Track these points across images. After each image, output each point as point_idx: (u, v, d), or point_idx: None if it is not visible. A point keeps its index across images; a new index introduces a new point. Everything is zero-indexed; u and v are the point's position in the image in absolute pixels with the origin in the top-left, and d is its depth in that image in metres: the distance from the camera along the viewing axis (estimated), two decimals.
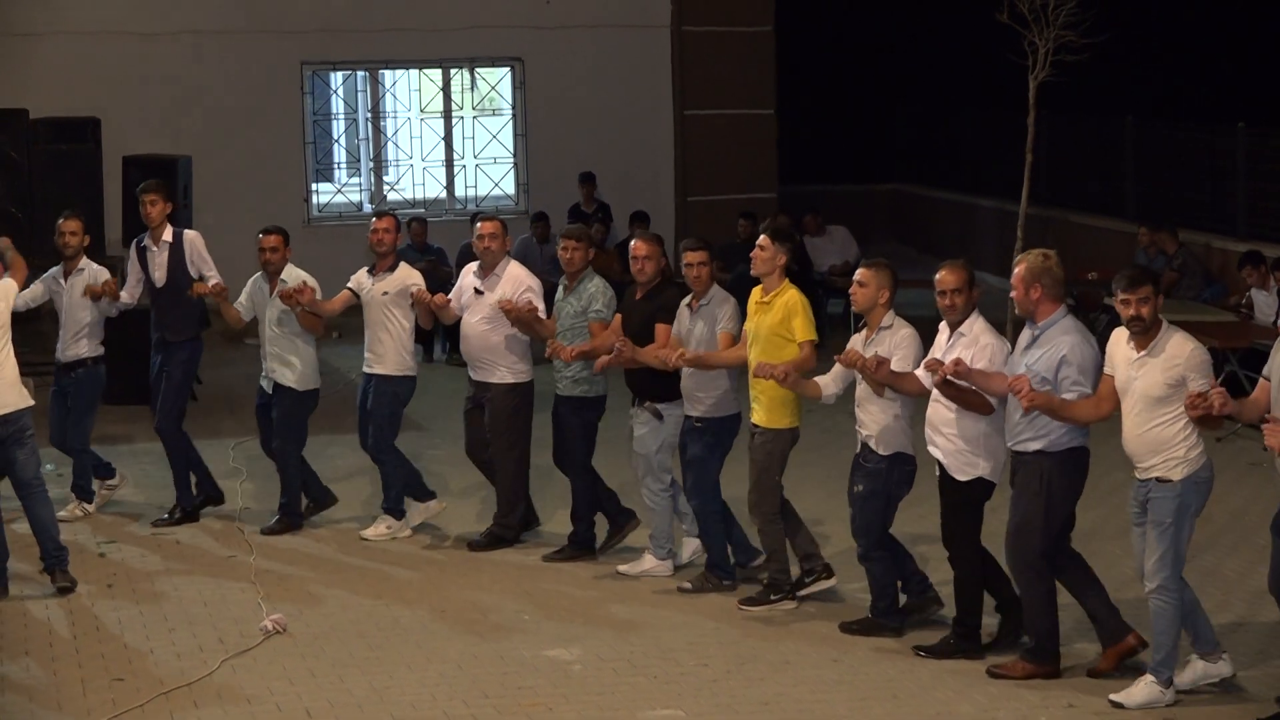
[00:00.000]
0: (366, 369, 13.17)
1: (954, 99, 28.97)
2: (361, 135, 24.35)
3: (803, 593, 11.43)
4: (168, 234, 13.51)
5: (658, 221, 22.51)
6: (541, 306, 12.55)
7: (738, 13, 24.75)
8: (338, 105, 24.28)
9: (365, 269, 13.22)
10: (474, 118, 24.45)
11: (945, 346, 10.26)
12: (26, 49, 22.08)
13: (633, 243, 12.23)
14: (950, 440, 10.26)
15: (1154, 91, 28.74)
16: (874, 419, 10.65)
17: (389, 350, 13.03)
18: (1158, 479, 9.47)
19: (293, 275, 13.10)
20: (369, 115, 24.20)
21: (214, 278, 13.36)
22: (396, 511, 13.20)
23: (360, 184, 24.42)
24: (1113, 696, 9.64)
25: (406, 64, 24.07)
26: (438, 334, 19.82)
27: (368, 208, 23.82)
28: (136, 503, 14.00)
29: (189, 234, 13.65)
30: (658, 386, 11.83)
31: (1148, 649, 9.83)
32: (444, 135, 24.26)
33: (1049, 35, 17.76)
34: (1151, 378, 9.41)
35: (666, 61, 24.49)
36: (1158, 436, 9.44)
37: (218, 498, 13.77)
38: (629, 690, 9.93)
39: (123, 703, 9.72)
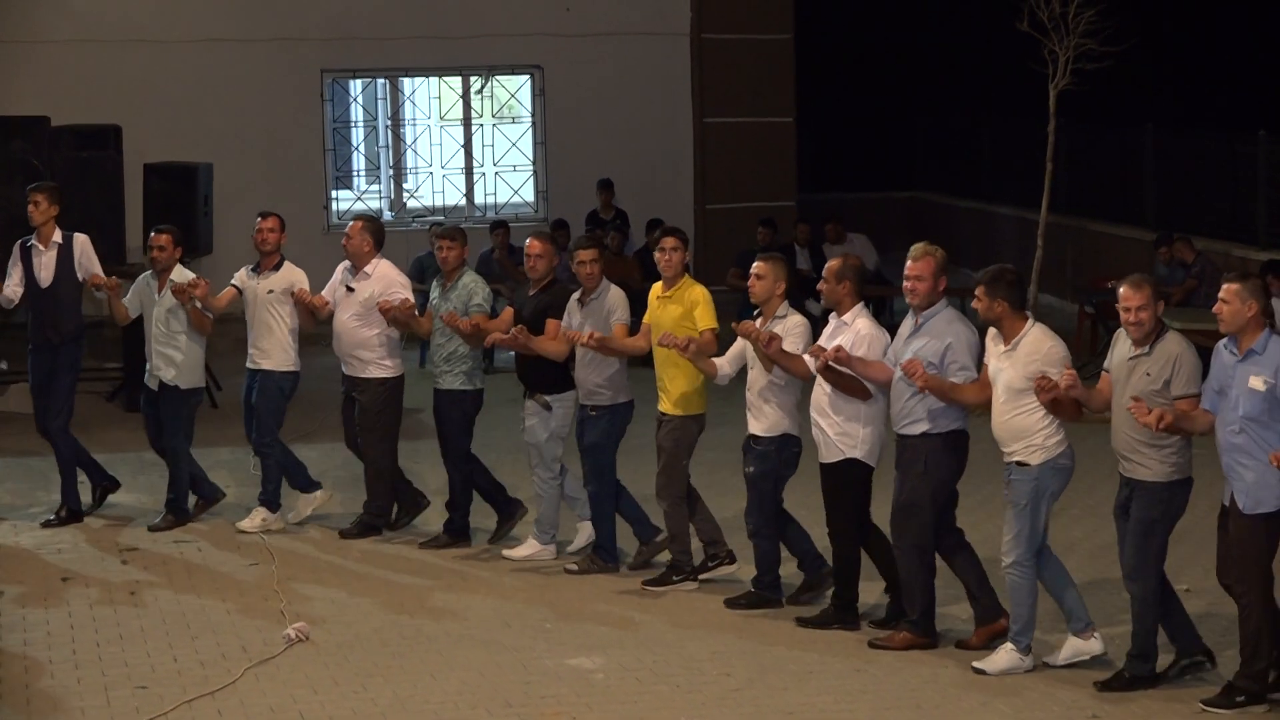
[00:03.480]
0: (251, 364, 13.52)
1: (974, 107, 28.97)
2: (381, 143, 24.38)
3: (704, 575, 12.02)
4: (57, 235, 13.69)
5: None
6: (413, 300, 13.10)
7: (757, 20, 24.72)
8: (357, 113, 24.31)
9: (248, 267, 13.59)
10: (493, 125, 24.48)
11: (829, 334, 10.93)
12: (48, 56, 22.15)
13: (527, 241, 12.69)
14: (831, 422, 10.91)
15: (1174, 100, 28.73)
16: (764, 404, 11.27)
17: (273, 346, 13.41)
18: (1017, 463, 10.18)
19: (182, 275, 13.36)
20: (389, 123, 24.23)
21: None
22: (273, 504, 13.57)
23: (380, 191, 24.44)
24: (975, 664, 10.31)
25: (426, 71, 24.09)
26: None
27: (388, 215, 23.85)
28: (155, 509, 13.98)
29: (79, 237, 13.84)
30: (547, 379, 12.43)
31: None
32: (463, 143, 24.28)
33: (1069, 43, 17.78)
34: (1013, 370, 10.11)
35: (686, 69, 24.48)
36: (1020, 424, 10.12)
37: (113, 485, 14.05)
38: (652, 699, 9.93)
39: (146, 710, 9.72)
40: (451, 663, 10.52)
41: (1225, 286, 9.58)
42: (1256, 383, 9.39)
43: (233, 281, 13.61)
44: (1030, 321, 10.21)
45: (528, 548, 12.73)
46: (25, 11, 22.24)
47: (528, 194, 24.44)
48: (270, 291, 13.33)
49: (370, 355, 13.14)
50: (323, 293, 13.34)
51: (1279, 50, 30.04)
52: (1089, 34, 17.74)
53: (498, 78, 24.34)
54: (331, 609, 11.58)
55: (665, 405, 11.87)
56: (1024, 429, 10.11)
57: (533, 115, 24.34)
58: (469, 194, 24.31)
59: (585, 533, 12.77)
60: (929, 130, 30.52)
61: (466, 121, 24.29)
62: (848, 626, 11.07)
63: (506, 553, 12.74)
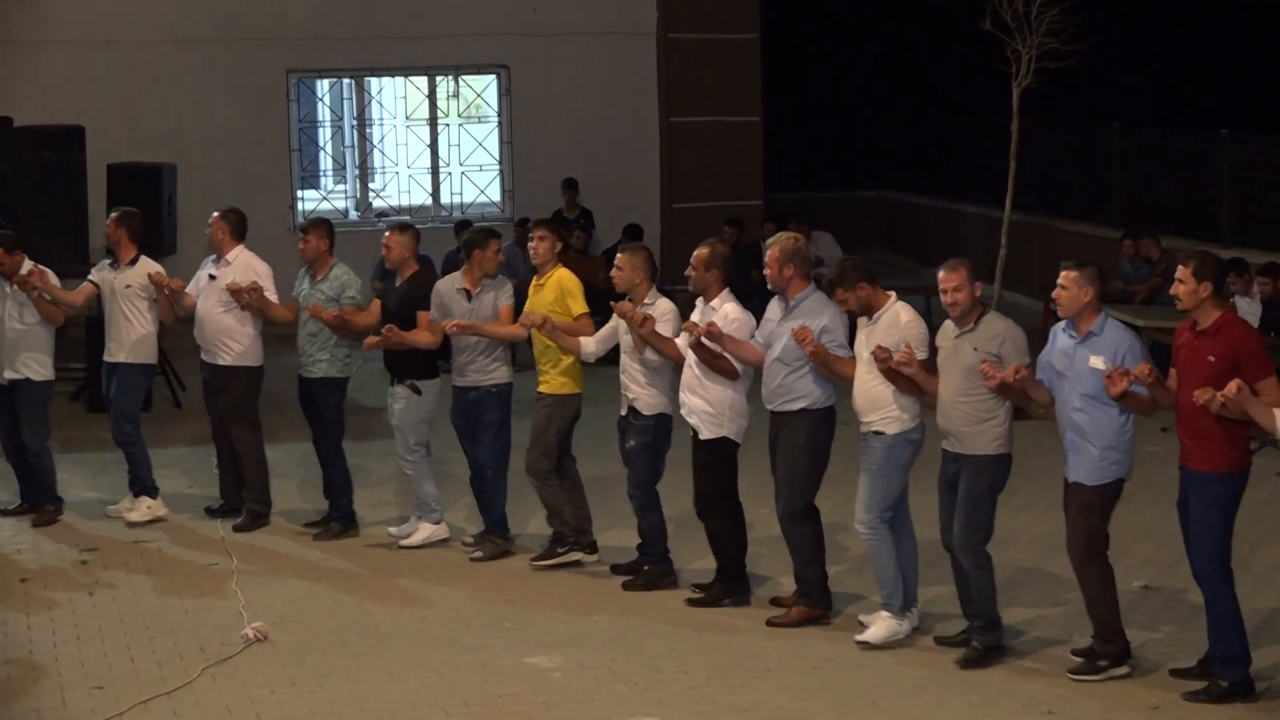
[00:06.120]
0: (108, 358, 13.71)
1: (941, 106, 29.01)
2: (347, 142, 24.34)
3: (550, 560, 12.40)
4: None
5: (644, 230, 22.48)
6: (271, 289, 13.36)
7: (724, 20, 24.72)
8: (323, 113, 24.25)
9: (106, 261, 13.82)
10: (459, 125, 24.44)
11: (698, 318, 11.37)
12: (12, 57, 22.05)
13: (386, 233, 13.06)
14: (700, 401, 11.38)
15: (1139, 98, 28.78)
16: (638, 383, 11.76)
17: (131, 340, 13.60)
18: (874, 431, 10.65)
19: (28, 267, 13.52)
20: (355, 123, 24.18)
21: None
22: (150, 491, 13.78)
23: (346, 191, 24.39)
24: (858, 638, 10.76)
25: (392, 71, 24.05)
26: None
27: (354, 215, 23.84)
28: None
29: None
30: (415, 366, 12.81)
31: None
32: (429, 142, 24.24)
33: (1032, 43, 17.77)
34: (873, 342, 10.58)
35: (652, 69, 24.46)
36: (878, 394, 10.62)
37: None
38: (610, 697, 9.92)
39: (102, 711, 9.69)
40: (410, 662, 10.51)
41: (1064, 274, 10.07)
42: (1097, 362, 9.90)
43: (90, 277, 13.85)
44: (893, 298, 10.74)
45: (421, 532, 13.02)
46: None
47: (494, 193, 24.40)
48: (128, 286, 13.58)
49: (233, 343, 13.42)
50: (187, 288, 13.65)
51: (1242, 49, 30.15)
52: (1052, 33, 17.74)
53: (464, 77, 24.30)
54: (291, 608, 11.56)
55: (543, 385, 12.33)
56: (881, 399, 10.62)
57: (499, 115, 24.30)
58: (435, 193, 24.28)
59: (425, 532, 13.03)
60: (897, 129, 30.54)
61: (433, 121, 24.25)
62: (737, 596, 11.55)
63: (403, 542, 13.01)
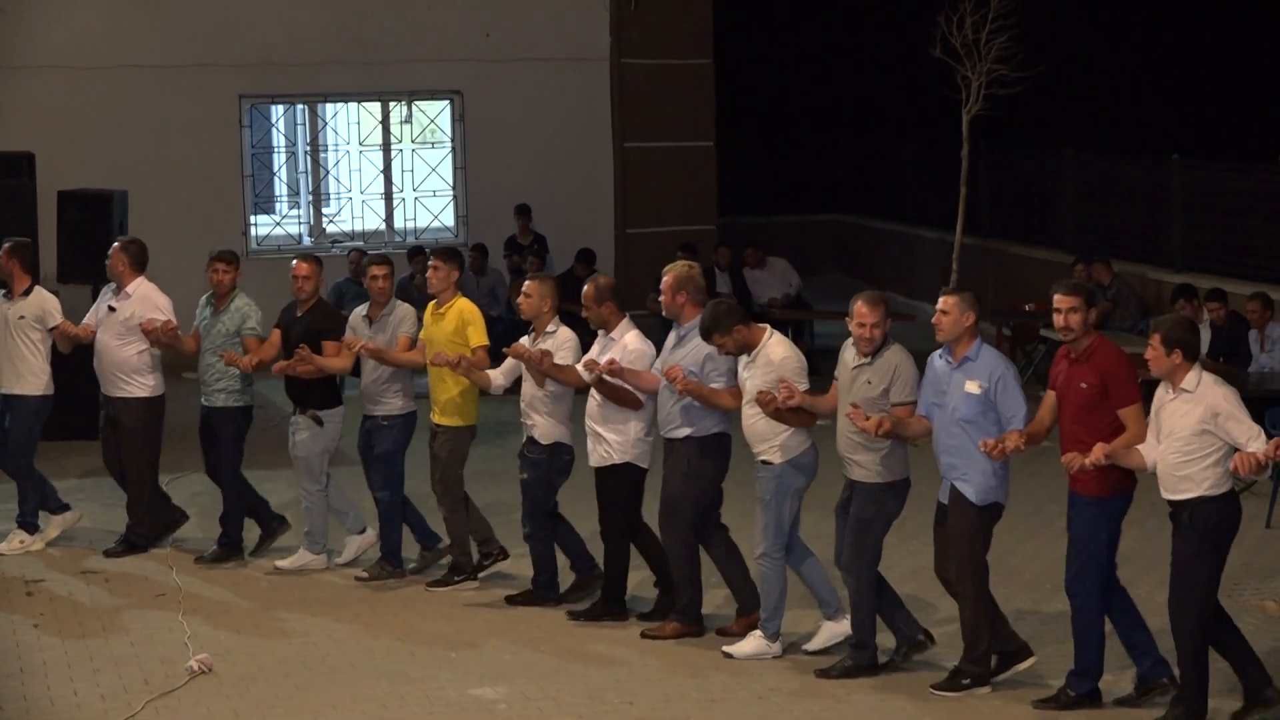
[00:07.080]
0: (3, 390, 13.70)
1: (895, 130, 29.10)
2: (301, 168, 24.26)
3: (482, 574, 12.67)
4: None
5: (598, 254, 22.49)
6: (174, 322, 13.28)
7: (677, 45, 24.71)
8: (277, 138, 24.20)
9: (1, 293, 13.82)
10: (413, 150, 24.41)
11: (599, 350, 11.62)
12: None
13: (294, 262, 13.15)
14: (605, 429, 11.57)
15: (1091, 124, 28.94)
16: (538, 413, 11.95)
17: (27, 370, 13.65)
18: (763, 461, 10.87)
19: None
20: (308, 148, 24.12)
21: None
22: (30, 526, 13.73)
23: (300, 217, 24.33)
24: (724, 648, 11.09)
25: (346, 97, 24.00)
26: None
27: (307, 240, 23.76)
28: (66, 539, 13.90)
29: None
30: (318, 396, 13.03)
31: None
32: (383, 168, 24.21)
33: (981, 69, 17.87)
34: (754, 380, 10.81)
35: (606, 94, 24.46)
36: (761, 428, 10.84)
37: None
38: None
39: None
40: (355, 694, 10.48)
41: (944, 299, 10.25)
42: (973, 387, 10.12)
43: None
44: (768, 333, 10.94)
45: (299, 558, 13.19)
46: None
47: (448, 219, 24.37)
48: (21, 317, 13.61)
49: (132, 375, 13.43)
50: (86, 319, 13.68)
51: (1191, 76, 30.35)
52: (1001, 60, 17.84)
53: (417, 103, 24.29)
54: (236, 640, 11.53)
55: (437, 417, 12.53)
56: (765, 432, 10.84)
57: (452, 140, 24.28)
58: (389, 219, 24.24)
59: (354, 546, 13.31)
60: (851, 153, 30.63)
61: (386, 146, 24.22)
62: (616, 618, 11.76)
63: (279, 563, 13.19)
